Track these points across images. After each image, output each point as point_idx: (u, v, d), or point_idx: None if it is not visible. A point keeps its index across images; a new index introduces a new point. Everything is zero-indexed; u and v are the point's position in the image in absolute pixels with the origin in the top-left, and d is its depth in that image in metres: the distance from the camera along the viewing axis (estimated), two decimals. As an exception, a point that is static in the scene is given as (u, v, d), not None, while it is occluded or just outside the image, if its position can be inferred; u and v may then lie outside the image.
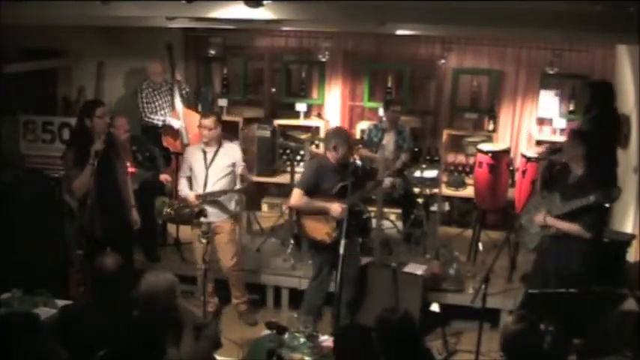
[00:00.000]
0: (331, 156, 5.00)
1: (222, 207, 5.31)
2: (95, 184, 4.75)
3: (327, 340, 4.22)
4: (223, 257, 5.41)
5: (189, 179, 5.36)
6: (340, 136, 5.07)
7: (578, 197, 4.38)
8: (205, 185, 5.23)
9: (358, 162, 5.91)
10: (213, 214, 5.27)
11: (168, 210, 5.51)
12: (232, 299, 5.63)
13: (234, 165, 5.30)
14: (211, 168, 5.23)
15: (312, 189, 5.00)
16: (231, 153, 5.33)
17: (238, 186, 5.34)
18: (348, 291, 5.14)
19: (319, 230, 5.01)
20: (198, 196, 5.22)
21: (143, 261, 5.92)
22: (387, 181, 5.05)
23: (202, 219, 5.12)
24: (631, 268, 5.44)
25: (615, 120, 5.87)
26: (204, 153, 5.25)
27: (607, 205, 4.30)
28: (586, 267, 4.63)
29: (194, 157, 5.32)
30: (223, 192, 5.23)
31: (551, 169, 5.12)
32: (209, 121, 5.23)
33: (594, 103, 5.73)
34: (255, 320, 5.61)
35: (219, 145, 5.29)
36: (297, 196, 5.02)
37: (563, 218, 4.49)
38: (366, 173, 5.28)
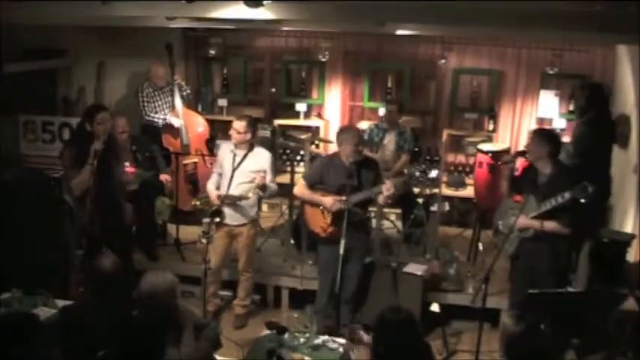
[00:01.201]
0: (342, 154, 5.04)
1: (243, 212, 5.33)
2: (94, 184, 4.75)
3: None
4: (240, 259, 5.50)
5: (220, 176, 5.38)
6: (344, 134, 5.09)
7: (552, 195, 4.36)
8: (229, 187, 5.21)
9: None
10: (234, 218, 5.30)
11: (197, 202, 5.63)
12: (235, 299, 5.67)
13: (260, 172, 5.24)
14: (237, 170, 5.20)
15: (316, 182, 5.12)
16: (259, 160, 5.31)
17: (257, 192, 5.29)
18: (349, 290, 5.14)
19: (316, 222, 5.09)
20: (218, 197, 5.24)
21: (143, 261, 5.91)
22: (389, 184, 4.99)
23: (205, 220, 5.12)
24: (631, 268, 5.43)
25: (610, 122, 5.88)
26: (234, 155, 5.24)
27: (582, 200, 4.26)
28: (568, 264, 4.63)
29: (225, 156, 5.35)
30: (239, 198, 5.22)
31: (527, 171, 5.10)
32: (239, 125, 5.23)
33: (591, 104, 5.73)
34: (243, 324, 5.61)
35: (250, 149, 5.29)
36: (299, 186, 5.24)
37: (541, 218, 4.48)
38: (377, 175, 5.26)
